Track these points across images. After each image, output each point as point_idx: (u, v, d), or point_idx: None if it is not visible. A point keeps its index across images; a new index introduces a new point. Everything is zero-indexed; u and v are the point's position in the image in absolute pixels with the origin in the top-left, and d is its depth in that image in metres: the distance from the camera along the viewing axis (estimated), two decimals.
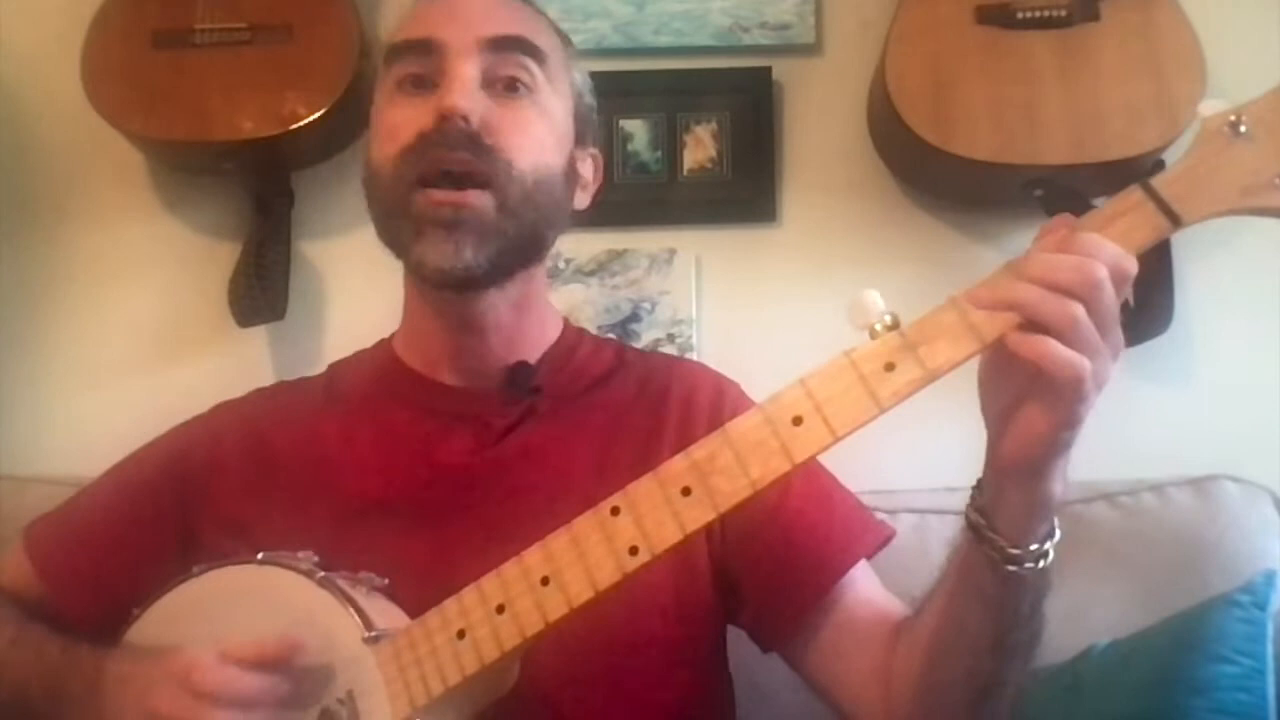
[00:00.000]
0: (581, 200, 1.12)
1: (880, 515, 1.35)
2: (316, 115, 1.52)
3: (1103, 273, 0.72)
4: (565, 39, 1.12)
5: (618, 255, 1.63)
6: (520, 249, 1.02)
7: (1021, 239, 1.61)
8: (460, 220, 0.98)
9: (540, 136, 1.03)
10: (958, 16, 1.50)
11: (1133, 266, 0.74)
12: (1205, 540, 1.36)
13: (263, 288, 1.56)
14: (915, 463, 1.46)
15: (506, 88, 1.02)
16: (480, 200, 0.98)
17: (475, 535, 0.91)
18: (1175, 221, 0.75)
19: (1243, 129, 0.76)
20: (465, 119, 0.98)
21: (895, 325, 0.76)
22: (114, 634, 0.99)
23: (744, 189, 1.65)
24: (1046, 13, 1.49)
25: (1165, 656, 1.18)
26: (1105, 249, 0.73)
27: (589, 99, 1.13)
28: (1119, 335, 0.75)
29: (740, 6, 1.66)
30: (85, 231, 1.68)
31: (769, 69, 1.66)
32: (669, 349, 1.60)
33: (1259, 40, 1.60)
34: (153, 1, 1.57)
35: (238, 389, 1.19)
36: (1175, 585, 1.32)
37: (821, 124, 1.67)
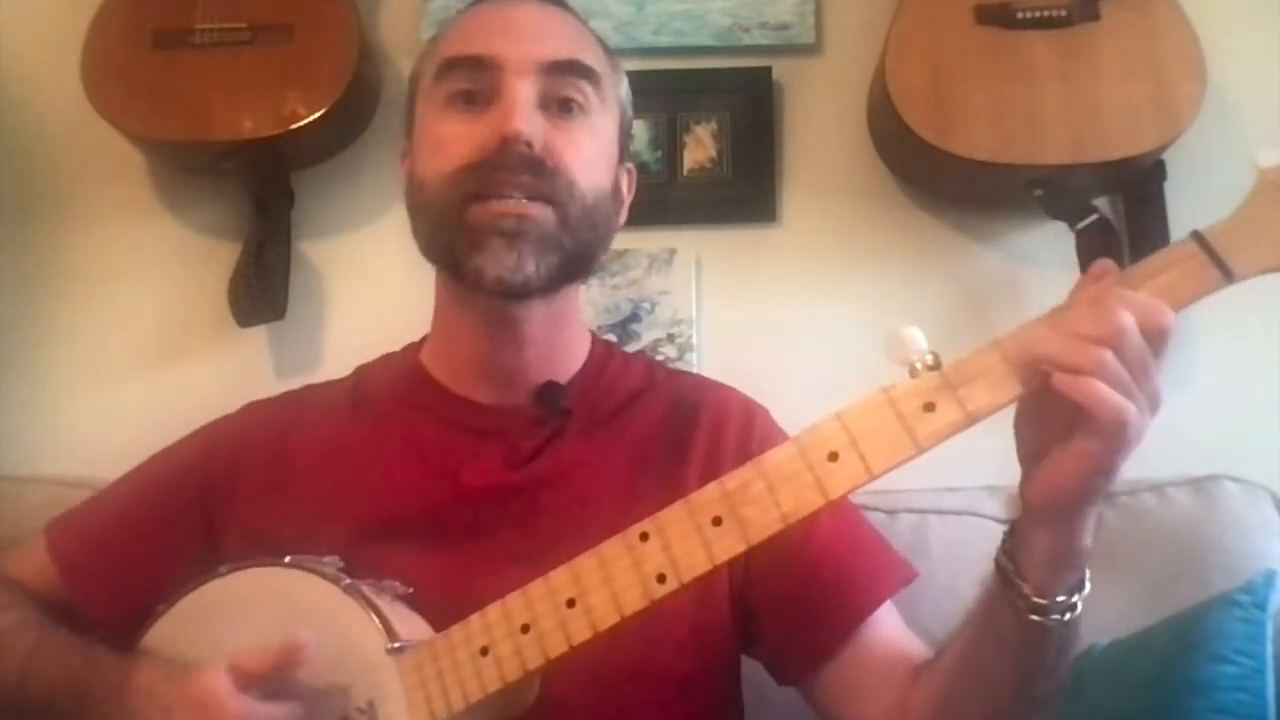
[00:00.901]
0: (622, 216, 1.12)
1: (880, 515, 1.36)
2: (316, 115, 1.52)
3: (1126, 319, 0.72)
4: (610, 53, 1.12)
5: (618, 255, 1.63)
6: (575, 265, 1.03)
7: (1021, 239, 1.61)
8: (523, 231, 0.98)
9: (594, 157, 1.03)
10: (958, 16, 1.50)
11: (1166, 319, 0.73)
12: (1205, 540, 1.36)
13: (263, 288, 1.56)
14: (915, 462, 1.45)
15: (560, 108, 1.02)
16: (542, 213, 0.98)
17: (498, 557, 0.91)
18: (1228, 275, 0.74)
19: None
20: (529, 144, 0.98)
21: (936, 365, 0.75)
22: (135, 634, 0.99)
23: (744, 189, 1.65)
24: (1046, 13, 1.49)
25: (1165, 656, 1.18)
26: (1133, 299, 0.73)
27: (631, 114, 1.13)
28: (1157, 389, 0.74)
29: (740, 6, 1.66)
30: (85, 231, 1.68)
31: (769, 69, 1.66)
32: (669, 349, 1.60)
33: (1259, 40, 1.60)
34: (153, 1, 1.57)
35: (238, 389, 1.19)
36: (1175, 585, 1.32)
37: (821, 124, 1.67)
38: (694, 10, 1.66)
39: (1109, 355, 0.71)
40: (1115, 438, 0.72)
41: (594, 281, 1.62)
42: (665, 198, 1.64)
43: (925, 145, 1.47)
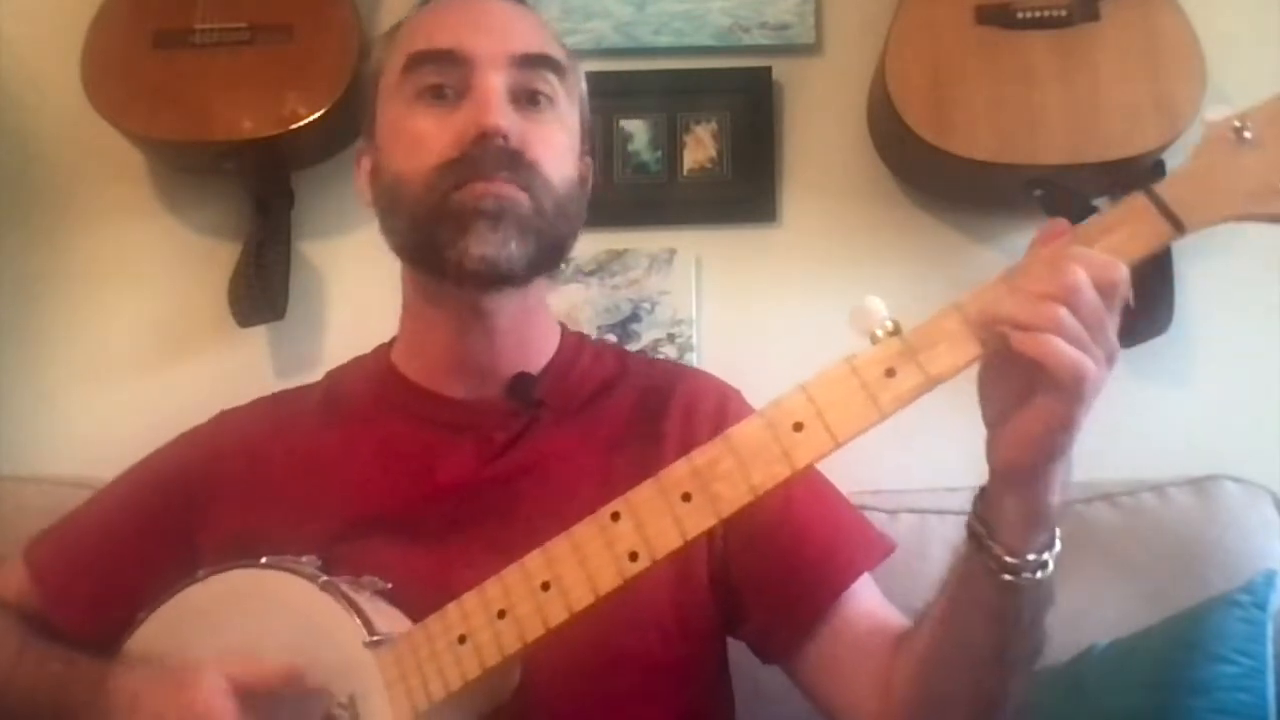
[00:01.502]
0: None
1: (880, 515, 1.36)
2: (316, 115, 1.52)
3: (1080, 275, 0.73)
4: (568, 49, 1.12)
5: (618, 255, 1.63)
6: (549, 252, 1.03)
7: (1021, 239, 1.61)
8: (503, 211, 0.98)
9: (563, 149, 1.04)
10: (958, 16, 1.50)
11: (1119, 273, 0.74)
12: (1205, 540, 1.36)
13: (263, 288, 1.56)
14: (915, 463, 1.46)
15: (529, 101, 1.03)
16: (519, 194, 0.99)
17: (477, 550, 0.91)
18: (1178, 228, 0.75)
19: (1247, 134, 0.76)
20: (505, 137, 0.98)
21: (896, 331, 0.76)
22: (115, 647, 0.99)
23: (744, 189, 1.65)
24: (1046, 13, 1.49)
25: (1165, 656, 1.18)
26: (1085, 255, 0.74)
27: (588, 106, 1.14)
28: (1113, 342, 0.75)
29: (740, 6, 1.66)
30: (85, 231, 1.68)
31: (769, 69, 1.66)
32: (669, 349, 1.60)
33: (1259, 40, 1.60)
34: (153, 1, 1.57)
35: (238, 389, 1.19)
36: (1175, 585, 1.32)
37: (821, 124, 1.67)
38: (694, 10, 1.66)
39: (1064, 312, 0.72)
40: (1073, 392, 0.73)
41: (594, 281, 1.62)
42: (665, 198, 1.65)
43: (925, 145, 1.47)
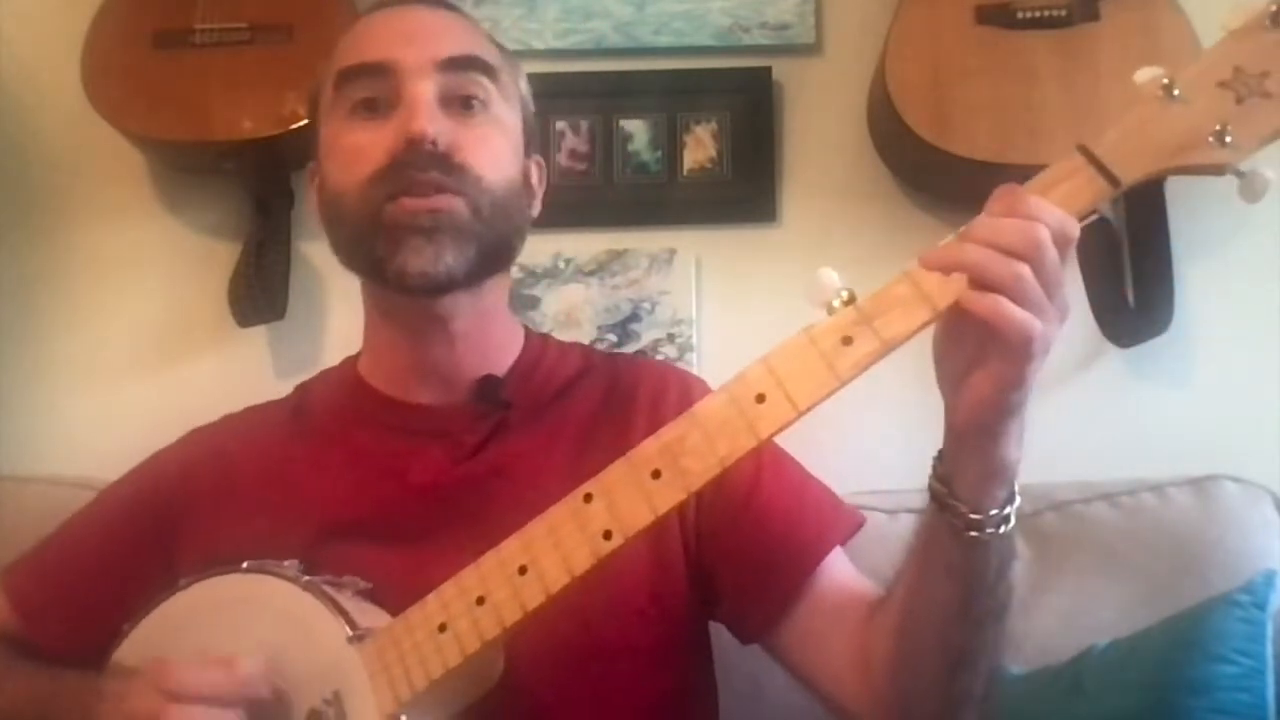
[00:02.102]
0: (535, 207, 1.13)
1: (880, 515, 1.36)
2: None
3: (1045, 234, 0.75)
4: (504, 49, 1.13)
5: (618, 255, 1.63)
6: (493, 254, 1.04)
7: None
8: (438, 225, 0.99)
9: (499, 150, 1.05)
10: (958, 16, 1.50)
11: (1073, 228, 0.76)
12: (1205, 540, 1.36)
13: (263, 288, 1.56)
14: (915, 463, 1.45)
15: (462, 106, 1.03)
16: (454, 204, 1.00)
17: (452, 550, 0.91)
18: (1114, 183, 0.78)
19: (1176, 92, 0.79)
20: (433, 143, 0.99)
21: (851, 300, 0.79)
22: (99, 664, 0.99)
23: (744, 189, 1.65)
24: (1046, 13, 1.49)
25: (1165, 656, 1.19)
26: (1047, 211, 0.76)
27: (532, 107, 1.14)
28: (1064, 299, 0.77)
29: (740, 6, 1.66)
30: (85, 231, 1.68)
31: (769, 69, 1.66)
32: (669, 349, 1.60)
33: None
34: (153, 1, 1.57)
35: (238, 389, 1.19)
36: (1175, 585, 1.32)
37: (821, 124, 1.67)
38: (694, 10, 1.66)
39: (1025, 269, 0.74)
40: (1023, 352, 0.75)
41: (594, 281, 1.62)
42: (665, 198, 1.65)
43: (925, 145, 1.47)
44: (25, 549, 1.14)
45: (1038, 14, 1.49)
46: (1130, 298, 1.50)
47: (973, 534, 0.83)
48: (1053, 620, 1.31)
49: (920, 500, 1.41)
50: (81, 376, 1.65)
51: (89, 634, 1.02)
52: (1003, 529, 0.84)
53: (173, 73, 1.54)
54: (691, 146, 1.66)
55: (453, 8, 1.12)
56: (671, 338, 1.61)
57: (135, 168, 1.68)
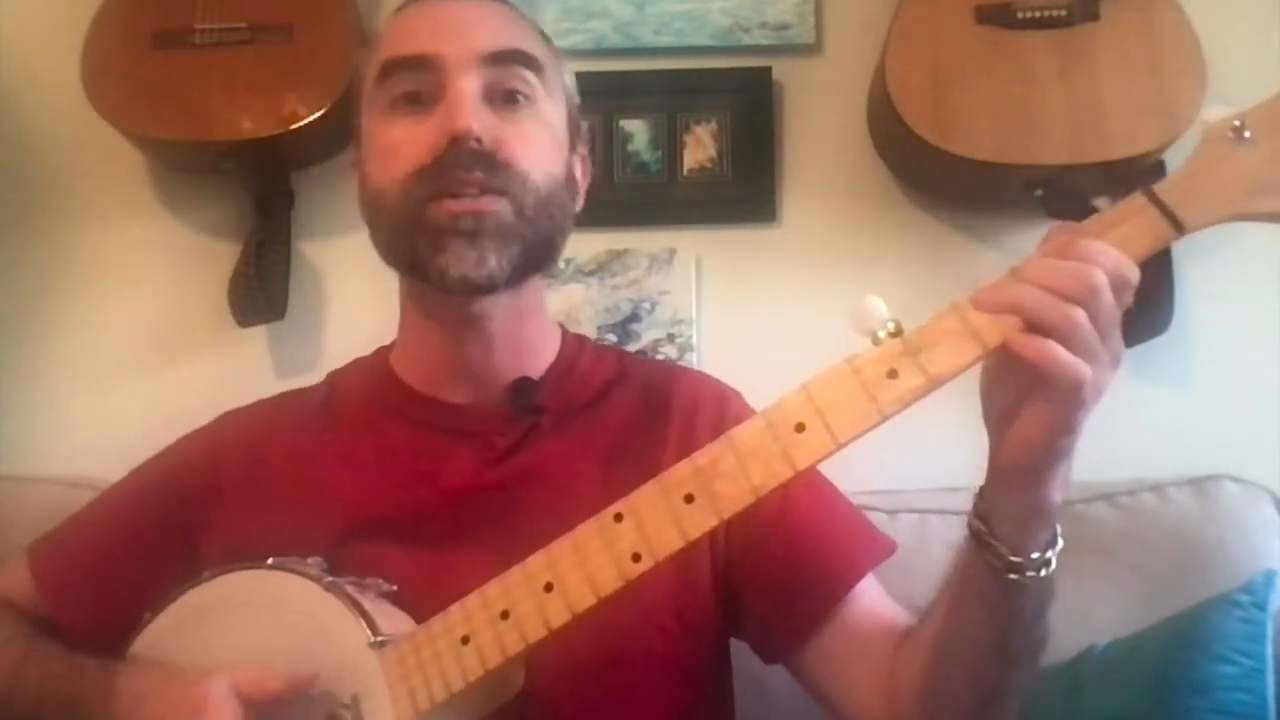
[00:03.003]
0: (578, 203, 1.11)
1: (880, 515, 1.36)
2: (316, 115, 1.52)
3: (1102, 278, 0.72)
4: (550, 41, 1.11)
5: (618, 255, 1.63)
6: (537, 254, 1.02)
7: (1021, 239, 1.61)
8: (481, 228, 0.97)
9: (543, 146, 1.03)
10: (958, 16, 1.50)
11: (1134, 274, 0.74)
12: (1205, 540, 1.36)
13: (263, 288, 1.56)
14: (915, 463, 1.46)
15: (506, 100, 1.01)
16: (498, 205, 0.98)
17: (479, 555, 0.91)
18: (1178, 228, 0.75)
19: (1246, 134, 0.76)
20: (477, 140, 0.97)
21: (898, 332, 0.76)
22: (120, 648, 0.99)
23: (744, 189, 1.65)
24: (1046, 13, 1.49)
25: (1165, 656, 1.18)
26: (1106, 255, 0.73)
27: (577, 100, 1.13)
28: (1120, 343, 0.75)
29: (740, 6, 1.66)
30: (85, 231, 1.68)
31: (769, 69, 1.66)
32: (669, 349, 1.60)
33: (1259, 40, 1.60)
34: (153, 1, 1.57)
35: (238, 389, 1.19)
36: (1175, 585, 1.32)
37: (821, 124, 1.67)
38: (694, 10, 1.66)
39: (1081, 314, 0.72)
40: (1073, 398, 0.73)
41: (594, 281, 1.62)
42: (665, 198, 1.65)
43: (925, 145, 1.47)
44: (19, 550, 1.13)
45: (1038, 14, 1.49)
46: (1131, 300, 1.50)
47: (1011, 576, 0.81)
48: (1053, 620, 1.31)
49: (920, 500, 1.43)
50: (81, 376, 1.65)
51: (109, 615, 1.02)
52: (1043, 572, 0.81)
53: (173, 73, 1.54)
54: (691, 146, 1.66)
55: None
56: (671, 338, 1.61)
57: (135, 168, 1.68)
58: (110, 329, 1.67)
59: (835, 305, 1.60)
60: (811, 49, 1.67)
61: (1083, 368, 0.72)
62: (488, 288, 0.99)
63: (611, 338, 1.60)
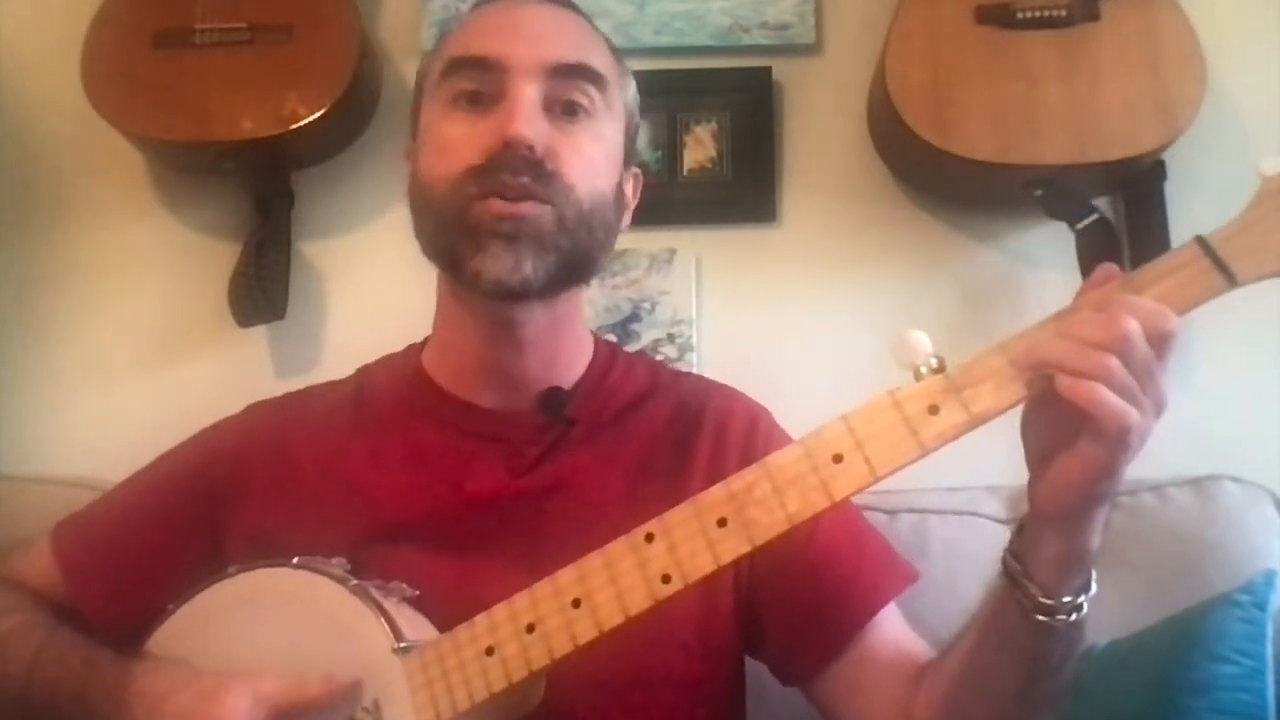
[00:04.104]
0: (625, 220, 1.11)
1: (880, 515, 1.36)
2: (316, 115, 1.52)
3: (1133, 326, 0.72)
4: (619, 56, 1.11)
5: (618, 255, 1.63)
6: (574, 266, 1.02)
7: (1021, 239, 1.61)
8: (520, 232, 0.97)
9: (596, 161, 1.02)
10: (958, 16, 1.50)
11: (1169, 324, 0.74)
12: (1205, 540, 1.36)
13: (263, 288, 1.56)
14: (916, 463, 1.45)
15: (565, 111, 1.01)
16: (539, 211, 0.98)
17: (503, 565, 0.91)
18: (1230, 279, 0.74)
19: None
20: (530, 147, 0.97)
21: (941, 368, 0.76)
22: (140, 635, 0.99)
23: (744, 189, 1.65)
24: (1046, 13, 1.49)
25: (1165, 656, 1.18)
26: (1138, 305, 0.73)
27: (638, 118, 1.13)
28: (1161, 393, 0.75)
29: (740, 6, 1.66)
30: (85, 231, 1.68)
31: (769, 69, 1.66)
32: (669, 349, 1.60)
33: (1259, 40, 1.60)
34: (153, 1, 1.57)
35: (238, 389, 1.19)
36: (1175, 585, 1.32)
37: (821, 124, 1.67)
38: (694, 10, 1.66)
39: (1114, 361, 0.72)
40: (1118, 442, 0.73)
41: (594, 281, 1.61)
42: (665, 198, 1.64)
43: (925, 145, 1.47)
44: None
45: (1038, 14, 1.49)
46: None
47: (1042, 618, 0.81)
48: None
49: (920, 500, 1.43)
50: (81, 376, 1.66)
51: (131, 603, 1.02)
52: (1074, 617, 0.81)
53: (173, 73, 1.54)
54: (691, 146, 1.66)
55: (572, 6, 1.10)
56: (671, 338, 1.61)
57: (135, 168, 1.68)
58: (110, 329, 1.67)
59: (835, 305, 1.62)
60: (811, 49, 1.67)
61: (1129, 410, 0.72)
62: (521, 293, 0.98)
63: (611, 338, 1.60)
